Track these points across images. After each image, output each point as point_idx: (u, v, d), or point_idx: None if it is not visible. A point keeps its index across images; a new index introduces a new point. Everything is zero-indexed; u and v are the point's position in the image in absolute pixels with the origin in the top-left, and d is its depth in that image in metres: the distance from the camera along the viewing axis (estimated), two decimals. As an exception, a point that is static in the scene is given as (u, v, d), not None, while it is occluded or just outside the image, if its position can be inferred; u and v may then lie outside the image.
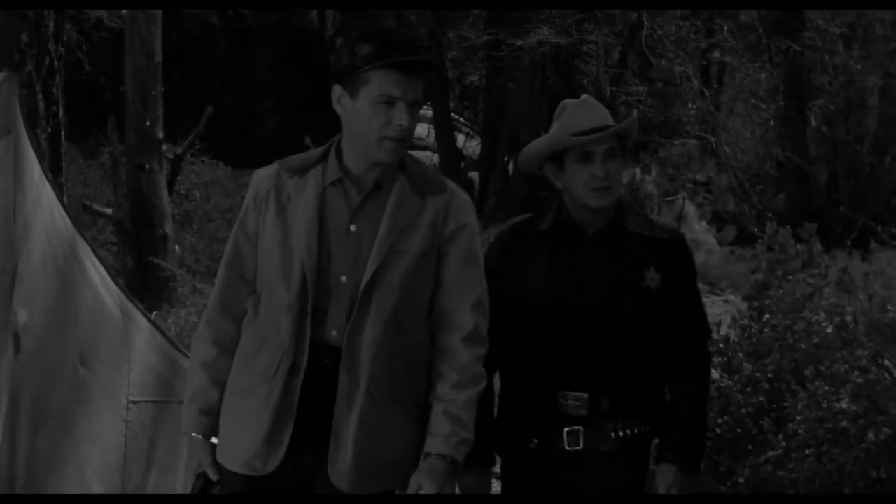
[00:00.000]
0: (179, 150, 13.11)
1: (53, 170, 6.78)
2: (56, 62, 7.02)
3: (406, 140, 3.78)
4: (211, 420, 3.87)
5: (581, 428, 4.09)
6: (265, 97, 21.78)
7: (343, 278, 3.77)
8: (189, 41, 21.38)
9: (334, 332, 3.77)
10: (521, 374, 4.17)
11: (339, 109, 3.81)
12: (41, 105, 6.47)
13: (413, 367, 3.83)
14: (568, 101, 4.27)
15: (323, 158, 3.88)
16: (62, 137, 7.28)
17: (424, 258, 3.81)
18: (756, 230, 18.83)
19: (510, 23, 18.69)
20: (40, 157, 5.25)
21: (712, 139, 19.89)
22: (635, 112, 4.28)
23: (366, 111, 3.73)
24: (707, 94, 20.95)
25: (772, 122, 22.11)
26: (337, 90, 3.80)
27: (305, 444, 3.74)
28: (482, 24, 20.72)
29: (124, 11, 11.97)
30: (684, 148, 19.71)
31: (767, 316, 5.82)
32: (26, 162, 4.52)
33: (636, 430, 4.13)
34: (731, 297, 15.47)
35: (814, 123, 21.88)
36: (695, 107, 20.05)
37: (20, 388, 4.52)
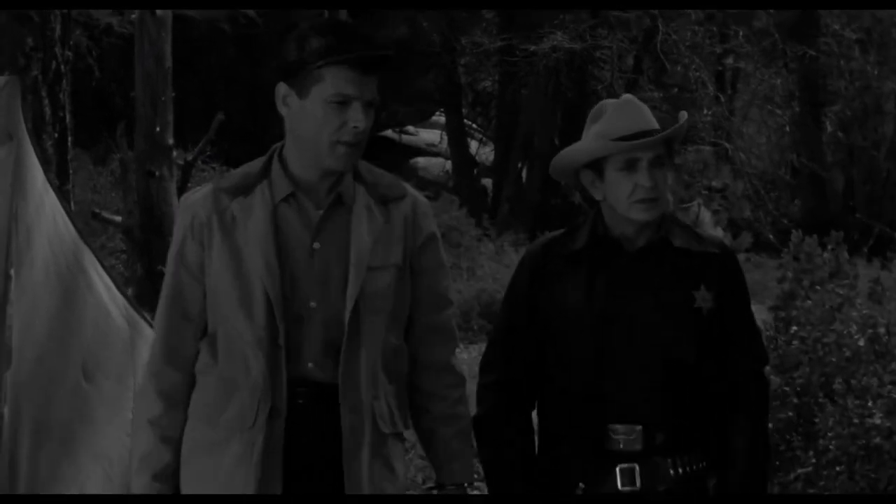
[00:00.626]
0: (190, 157, 12.97)
1: (60, 176, 6.64)
2: (63, 66, 6.87)
3: (361, 144, 3.39)
4: (166, 484, 3.46)
5: (636, 465, 3.68)
6: (273, 104, 21.66)
7: (312, 303, 3.39)
8: (199, 47, 21.28)
9: (310, 365, 3.39)
10: (563, 407, 3.75)
11: (283, 111, 3.42)
12: (47, 110, 6.31)
13: (403, 391, 3.53)
14: (608, 101, 3.86)
15: (266, 172, 3.47)
16: (69, 143, 7.14)
17: (401, 272, 3.48)
18: (771, 237, 18.75)
19: (524, 28, 18.56)
20: (46, 163, 5.13)
21: (728, 145, 19.74)
22: (684, 113, 3.86)
23: (317, 112, 3.35)
24: (722, 99, 20.80)
25: (787, 128, 21.98)
26: (282, 89, 3.40)
27: (300, 496, 3.40)
28: (495, 30, 20.59)
29: (133, 16, 11.84)
30: (699, 154, 19.55)
31: (795, 328, 5.65)
32: (29, 168, 4.38)
33: (695, 467, 3.72)
34: (748, 305, 15.30)
35: (829, 129, 21.79)
36: (710, 113, 19.89)
37: (21, 401, 4.38)
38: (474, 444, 3.61)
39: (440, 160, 22.29)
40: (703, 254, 3.72)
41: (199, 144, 12.73)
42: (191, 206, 3.49)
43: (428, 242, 3.54)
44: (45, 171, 4.71)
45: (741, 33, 20.71)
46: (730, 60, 23.43)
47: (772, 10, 19.66)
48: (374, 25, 18.61)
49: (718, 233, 18.10)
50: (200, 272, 3.46)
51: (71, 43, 6.78)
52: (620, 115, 3.73)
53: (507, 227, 17.84)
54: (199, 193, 3.52)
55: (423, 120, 22.98)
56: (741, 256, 17.77)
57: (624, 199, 3.65)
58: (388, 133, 22.36)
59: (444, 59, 20.07)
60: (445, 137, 21.97)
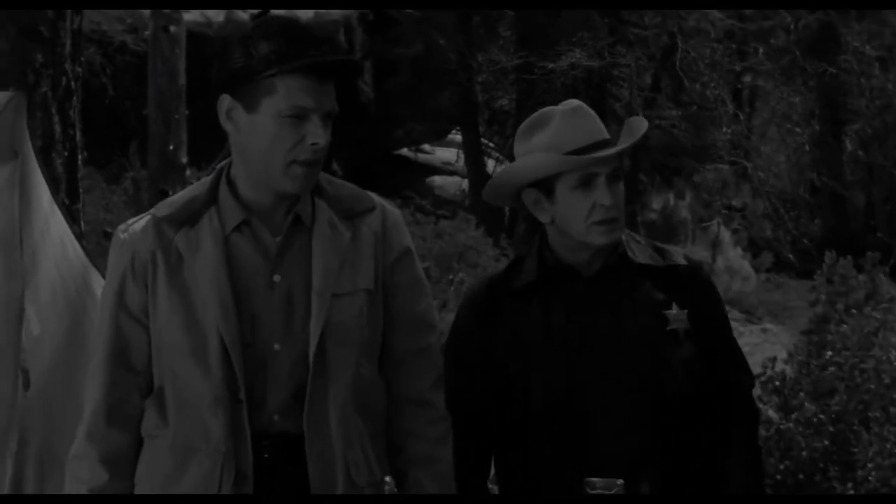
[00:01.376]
0: (203, 175, 12.86)
1: (70, 196, 6.49)
2: (73, 83, 6.73)
3: (320, 163, 2.97)
4: None
5: None
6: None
7: (276, 346, 2.96)
8: (212, 64, 21.17)
9: (276, 417, 2.96)
10: (529, 461, 3.28)
11: (228, 127, 2.98)
12: (57, 128, 6.17)
13: (381, 433, 3.11)
14: (551, 109, 3.33)
15: (213, 197, 3.04)
16: (79, 162, 6.99)
17: (372, 296, 3.05)
18: (791, 257, 18.57)
19: (541, 46, 18.43)
20: (55, 181, 5.00)
21: (748, 164, 19.58)
22: (642, 120, 3.41)
23: (268, 128, 2.91)
24: (742, 117, 20.64)
25: (806, 147, 21.81)
26: (225, 102, 2.97)
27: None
28: (512, 48, 20.45)
29: (147, 33, 11.73)
30: (719, 173, 19.40)
31: (830, 353, 5.45)
32: (34, 188, 4.22)
33: None
34: (769, 326, 15.18)
35: (850, 148, 21.63)
36: (729, 131, 19.72)
37: (27, 428, 4.23)
38: (453, 488, 3.16)
39: (456, 179, 22.11)
40: (669, 269, 3.33)
41: (212, 163, 12.60)
42: (129, 242, 3.04)
43: (401, 258, 3.11)
44: (55, 191, 4.60)
45: (761, 51, 20.57)
46: (748, 79, 23.31)
47: (792, 27, 19.49)
48: (389, 42, 18.50)
49: (738, 253, 17.94)
50: (145, 317, 3.02)
51: (82, 59, 6.62)
52: (571, 124, 3.28)
53: (526, 244, 17.67)
54: (137, 225, 3.06)
55: (439, 138, 22.82)
56: (762, 276, 17.60)
57: (580, 220, 3.22)
58: (404, 152, 22.20)
59: (460, 76, 19.92)
60: (462, 156, 21.81)
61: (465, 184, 21.71)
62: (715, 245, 17.51)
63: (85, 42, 14.09)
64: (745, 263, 17.79)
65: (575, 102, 3.35)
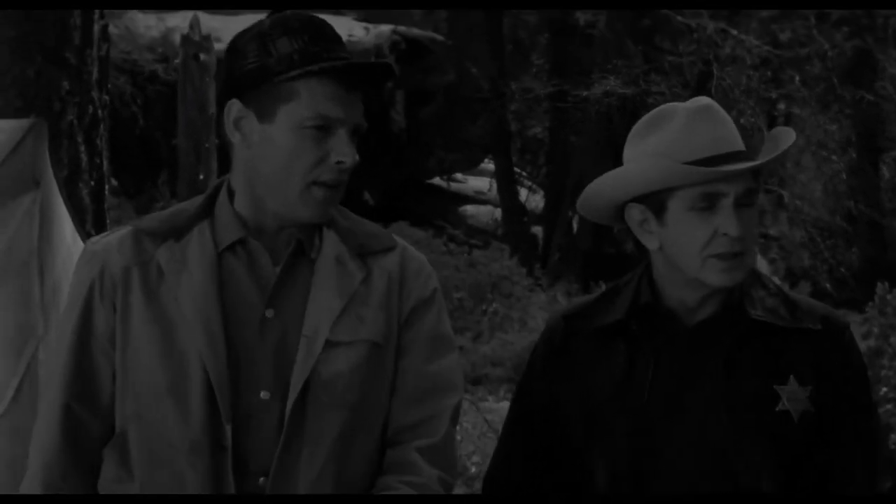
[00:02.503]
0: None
1: (97, 226, 6.36)
2: (100, 111, 6.60)
3: (343, 186, 2.50)
4: None
5: None
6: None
7: (264, 394, 2.45)
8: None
9: (262, 480, 2.44)
10: None
11: (235, 138, 2.50)
12: (84, 157, 6.03)
13: None
14: (674, 105, 2.66)
15: (207, 211, 2.56)
16: (106, 192, 6.86)
17: (378, 350, 2.51)
18: (828, 286, 18.34)
19: (575, 73, 18.34)
20: (81, 212, 4.87)
21: (783, 192, 19.40)
22: (789, 131, 2.57)
23: (286, 141, 2.44)
24: (778, 145, 20.49)
25: (843, 175, 21.60)
26: (234, 109, 2.50)
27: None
28: (545, 76, 20.35)
29: (176, 61, 11.66)
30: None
31: (885, 389, 5.22)
32: (56, 218, 4.06)
33: None
34: (809, 357, 14.97)
35: (887, 175, 21.42)
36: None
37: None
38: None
39: (489, 208, 21.99)
40: (797, 331, 2.61)
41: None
42: (98, 256, 2.53)
43: (421, 307, 2.58)
44: (81, 221, 4.47)
45: (797, 78, 20.38)
46: (782, 106, 23.12)
47: (828, 54, 19.31)
48: (422, 71, 18.40)
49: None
50: (112, 347, 2.50)
51: (109, 87, 6.49)
52: (697, 126, 2.59)
53: (558, 277, 17.50)
54: (110, 237, 2.57)
55: (471, 167, 22.72)
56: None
57: (695, 251, 2.55)
58: (436, 180, 22.10)
59: (493, 105, 19.81)
60: (494, 185, 21.69)
61: (498, 213, 21.59)
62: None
63: (115, 72, 14.04)
64: (783, 293, 17.57)
65: (705, 100, 2.65)
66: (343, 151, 2.45)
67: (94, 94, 6.25)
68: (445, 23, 22.30)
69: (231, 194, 2.56)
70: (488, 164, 22.36)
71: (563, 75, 19.00)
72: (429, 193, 20.50)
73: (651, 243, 2.64)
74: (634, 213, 2.64)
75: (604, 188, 2.67)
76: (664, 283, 2.65)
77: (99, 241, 2.59)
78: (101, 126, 6.45)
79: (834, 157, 21.82)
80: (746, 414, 2.56)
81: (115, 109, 10.56)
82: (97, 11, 5.79)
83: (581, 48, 18.99)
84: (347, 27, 19.28)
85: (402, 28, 19.91)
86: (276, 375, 2.46)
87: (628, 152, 2.67)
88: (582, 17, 18.96)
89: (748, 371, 2.58)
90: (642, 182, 2.60)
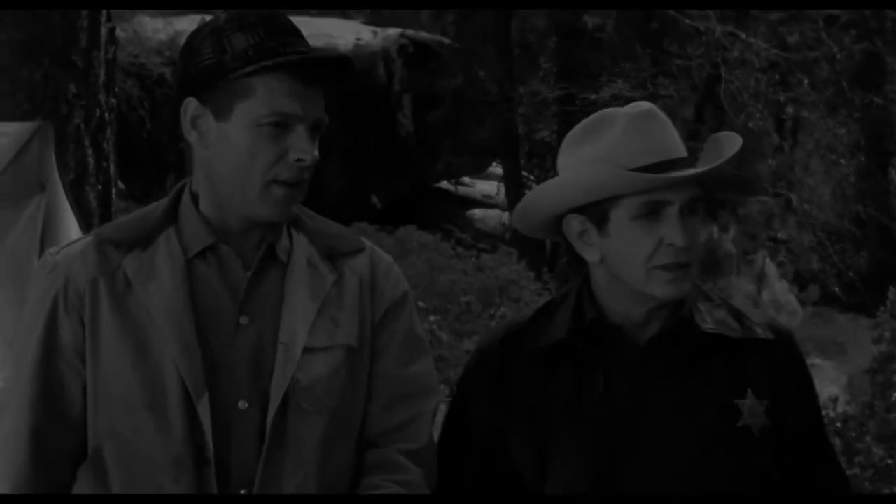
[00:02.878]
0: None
1: (103, 230, 6.34)
2: (107, 115, 6.58)
3: (304, 184, 2.43)
4: None
5: None
6: (328, 155, 21.54)
7: (242, 404, 2.38)
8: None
9: (243, 492, 2.37)
10: None
11: (192, 137, 2.42)
12: (91, 160, 6.01)
13: None
14: (614, 110, 2.52)
15: (171, 216, 2.48)
16: (113, 195, 6.85)
17: (354, 354, 2.47)
18: (837, 290, 18.28)
19: (583, 77, 18.29)
20: (88, 215, 4.86)
21: (792, 196, 19.35)
22: (736, 136, 2.49)
23: (244, 140, 2.36)
24: (786, 149, 20.44)
25: (852, 178, 21.56)
26: (191, 107, 2.41)
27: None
28: (553, 79, 20.31)
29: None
30: (763, 205, 19.13)
31: (896, 394, 5.19)
32: (62, 222, 4.05)
33: None
34: (818, 361, 14.89)
35: (896, 179, 21.40)
36: (774, 162, 19.50)
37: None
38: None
39: (497, 212, 21.92)
40: (750, 343, 2.50)
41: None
42: (60, 267, 2.43)
43: (393, 310, 2.53)
44: (87, 224, 4.46)
45: (805, 81, 20.34)
46: (791, 109, 23.07)
47: (837, 58, 19.26)
48: (430, 74, 18.36)
49: (784, 286, 17.65)
50: (80, 361, 2.40)
51: (116, 90, 6.46)
52: (637, 132, 2.45)
53: (566, 281, 17.48)
54: (70, 248, 2.48)
55: (479, 171, 22.67)
56: (809, 310, 17.31)
57: (641, 262, 2.42)
58: (444, 184, 22.05)
59: (500, 108, 19.77)
60: (502, 188, 21.64)
61: (506, 217, 21.51)
62: (760, 278, 17.24)
63: (122, 75, 14.03)
64: (792, 297, 17.50)
65: (645, 105, 2.52)
66: (302, 148, 2.37)
67: (102, 97, 6.23)
68: (453, 26, 22.26)
69: (195, 197, 2.49)
70: (496, 168, 22.31)
71: (571, 78, 18.95)
72: (437, 197, 20.46)
73: (591, 256, 2.50)
74: (573, 225, 2.50)
75: (540, 199, 2.55)
76: (607, 297, 2.51)
77: (59, 251, 2.49)
78: (109, 129, 6.43)
79: (843, 161, 21.78)
80: (708, 431, 2.43)
81: (122, 113, 10.53)
82: (104, 14, 5.77)
83: (589, 51, 18.94)
84: (355, 30, 19.25)
85: (409, 31, 19.88)
86: (252, 384, 2.39)
87: (562, 160, 2.54)
88: (590, 20, 18.94)
89: (706, 386, 2.45)
90: (581, 190, 2.46)
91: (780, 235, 19.46)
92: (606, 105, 14.01)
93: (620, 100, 17.72)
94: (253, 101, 2.36)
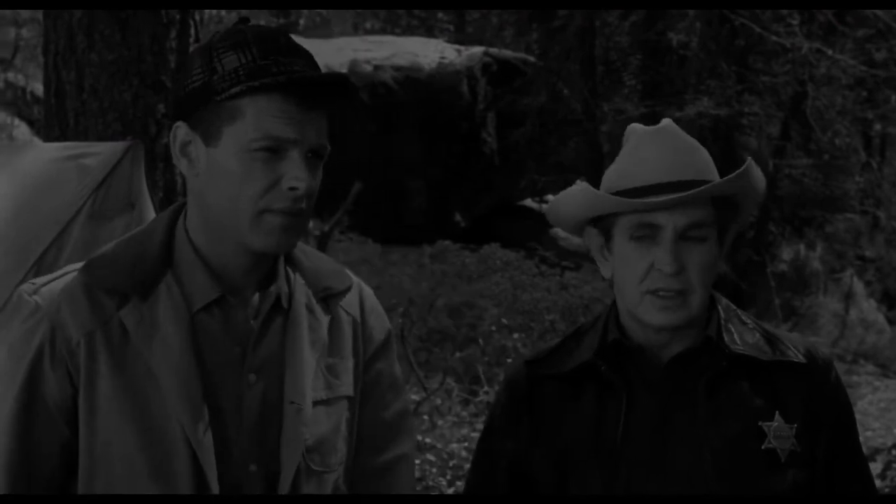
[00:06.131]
0: (326, 228, 12.73)
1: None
2: (195, 134, 6.66)
3: (303, 215, 2.22)
4: None
5: None
6: (412, 174, 21.66)
7: (252, 467, 2.22)
8: (334, 115, 21.26)
9: None
10: None
11: (182, 165, 2.23)
12: (179, 180, 6.10)
13: None
14: (632, 126, 2.52)
15: (167, 260, 2.26)
16: (200, 214, 6.90)
17: (351, 402, 2.37)
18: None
19: (667, 94, 18.19)
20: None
21: (880, 214, 19.11)
22: (748, 158, 2.36)
23: (233, 166, 2.16)
24: (874, 166, 20.19)
25: (941, 196, 21.27)
26: (180, 132, 2.22)
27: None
28: (637, 97, 20.22)
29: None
30: (851, 223, 18.93)
31: None
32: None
33: None
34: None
35: None
36: (861, 180, 19.27)
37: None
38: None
39: (580, 231, 21.88)
40: (780, 365, 2.43)
41: (335, 214, 12.49)
42: (44, 312, 2.19)
43: (381, 350, 2.42)
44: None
45: (893, 97, 20.10)
46: (878, 127, 22.79)
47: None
48: (514, 93, 18.37)
49: (872, 305, 17.45)
50: (62, 418, 2.18)
51: (204, 110, 6.53)
52: (642, 152, 2.41)
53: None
54: (52, 286, 2.23)
55: (564, 189, 22.64)
56: (897, 329, 17.10)
57: (634, 285, 2.38)
58: (528, 202, 22.03)
59: (585, 126, 19.72)
60: (586, 207, 21.58)
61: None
62: (848, 297, 17.06)
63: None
64: (880, 316, 17.32)
65: (664, 123, 2.47)
66: (296, 176, 2.17)
67: (190, 117, 6.32)
68: (537, 44, 22.26)
69: (190, 234, 2.29)
70: (580, 186, 22.25)
71: (656, 96, 18.86)
72: (521, 215, 20.42)
73: (605, 271, 2.48)
74: (593, 237, 2.49)
75: (563, 205, 2.54)
76: (625, 318, 2.48)
77: (35, 290, 2.24)
78: (197, 149, 6.52)
79: (932, 178, 21.49)
80: (731, 453, 2.37)
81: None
82: (192, 35, 5.86)
83: (673, 69, 18.84)
84: (439, 49, 19.30)
85: (493, 50, 19.89)
86: (260, 443, 2.24)
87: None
88: (675, 37, 18.83)
89: (731, 407, 2.39)
90: (573, 207, 2.48)
91: (867, 253, 19.23)
92: (691, 122, 13.92)
93: (706, 117, 17.65)
94: (241, 123, 2.16)
